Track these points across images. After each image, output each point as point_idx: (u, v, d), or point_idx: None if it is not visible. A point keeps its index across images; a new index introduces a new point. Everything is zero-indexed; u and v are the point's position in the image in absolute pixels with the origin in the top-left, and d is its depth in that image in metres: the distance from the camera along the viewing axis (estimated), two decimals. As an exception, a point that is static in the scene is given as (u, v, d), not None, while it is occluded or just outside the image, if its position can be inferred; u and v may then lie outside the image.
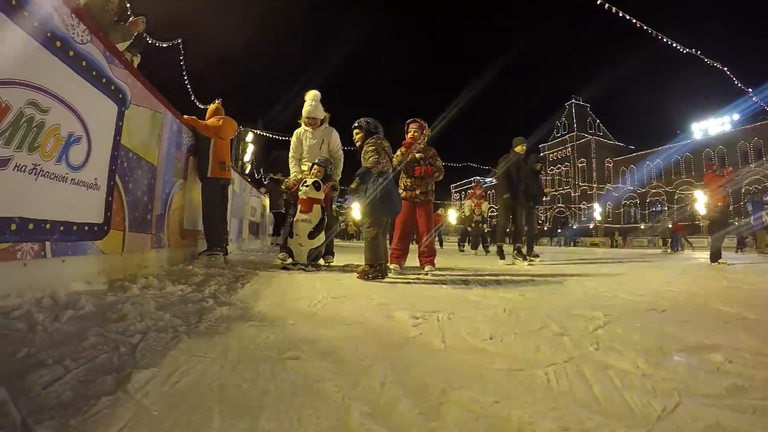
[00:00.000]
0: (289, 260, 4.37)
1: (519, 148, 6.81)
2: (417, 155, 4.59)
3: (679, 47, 14.06)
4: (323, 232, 4.35)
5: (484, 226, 12.01)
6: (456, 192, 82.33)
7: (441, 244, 13.69)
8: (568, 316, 2.08)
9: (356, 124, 4.09)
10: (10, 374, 1.03)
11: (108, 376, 1.04)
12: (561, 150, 58.59)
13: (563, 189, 56.26)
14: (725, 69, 14.16)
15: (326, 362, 1.24)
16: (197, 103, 18.90)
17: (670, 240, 17.49)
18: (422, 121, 4.76)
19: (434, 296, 2.73)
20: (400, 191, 4.37)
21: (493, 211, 21.71)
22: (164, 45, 16.11)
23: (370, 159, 3.73)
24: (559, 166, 58.58)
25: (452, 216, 18.25)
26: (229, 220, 5.36)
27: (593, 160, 54.30)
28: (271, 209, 11.77)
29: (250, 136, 22.56)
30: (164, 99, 3.61)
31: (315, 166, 4.55)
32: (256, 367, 1.17)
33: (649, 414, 0.95)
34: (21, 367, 1.08)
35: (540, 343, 1.53)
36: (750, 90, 15.65)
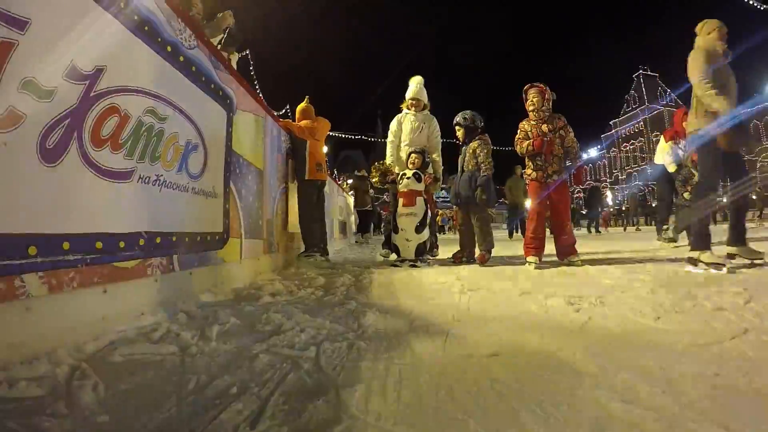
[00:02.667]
0: (393, 256, 4.18)
1: None
2: (544, 128, 3.74)
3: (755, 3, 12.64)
4: (428, 226, 4.13)
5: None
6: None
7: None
8: (711, 293, 2.03)
9: (457, 120, 4.28)
10: (197, 412, 0.86)
11: (318, 401, 0.88)
12: (633, 124, 55.32)
13: (639, 165, 52.26)
14: None
15: (526, 356, 1.21)
16: (272, 111, 19.76)
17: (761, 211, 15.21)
18: (543, 86, 3.83)
19: (564, 282, 2.66)
20: (529, 171, 3.82)
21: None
22: (239, 55, 16.99)
23: (489, 164, 4.05)
24: (632, 141, 55.36)
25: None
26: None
27: None
28: (355, 207, 11.78)
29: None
30: (264, 103, 3.56)
31: (413, 155, 4.30)
32: (465, 368, 1.11)
33: None
34: (205, 401, 0.91)
35: (706, 319, 1.57)
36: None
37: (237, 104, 2.84)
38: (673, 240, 5.66)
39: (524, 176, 3.87)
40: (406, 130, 4.66)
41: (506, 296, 2.22)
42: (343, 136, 24.93)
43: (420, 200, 4.05)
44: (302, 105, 4.83)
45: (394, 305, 2.01)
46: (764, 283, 2.32)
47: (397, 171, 4.47)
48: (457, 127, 4.31)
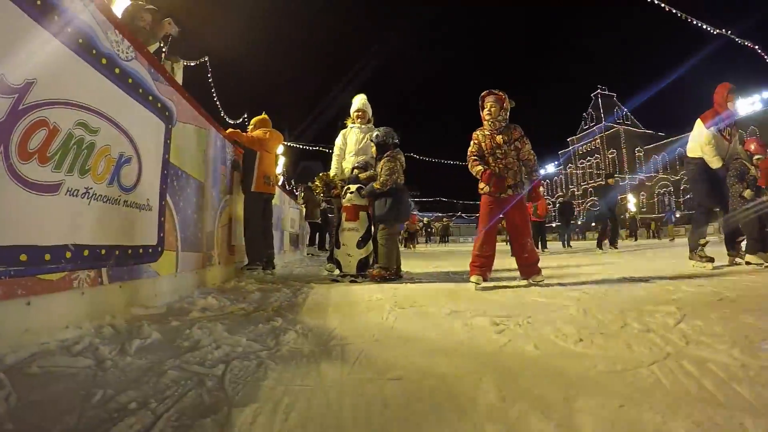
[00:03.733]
0: (337, 271, 4.23)
1: None
2: (498, 138, 3.45)
3: (708, 28, 13.70)
4: (370, 241, 4.21)
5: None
6: None
7: (544, 246, 10.81)
8: (643, 312, 2.05)
9: (371, 137, 4.39)
10: (92, 425, 0.90)
11: (206, 419, 0.92)
12: (590, 142, 57.81)
13: (594, 181, 54.80)
14: (756, 47, 14.35)
15: (431, 380, 1.19)
16: (227, 119, 19.50)
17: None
18: (502, 93, 3.50)
19: (499, 301, 2.64)
20: (481, 186, 3.48)
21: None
22: (192, 64, 16.72)
23: (382, 179, 4.10)
24: (588, 158, 57.80)
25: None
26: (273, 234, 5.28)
27: (623, 150, 53.49)
28: (306, 219, 11.70)
29: (280, 149, 22.90)
30: (207, 114, 3.56)
31: (355, 170, 4.41)
32: (363, 392, 1.10)
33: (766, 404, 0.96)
34: (103, 415, 0.95)
35: (631, 342, 1.52)
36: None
37: (177, 116, 2.84)
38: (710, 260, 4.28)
39: (479, 190, 3.54)
40: (351, 141, 4.74)
41: (435, 315, 2.21)
42: (302, 146, 24.86)
43: (363, 215, 4.13)
44: (258, 117, 4.88)
45: (320, 323, 2.01)
46: (701, 302, 2.34)
47: (338, 182, 4.56)
48: (371, 144, 4.40)
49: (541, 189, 4.30)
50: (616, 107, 56.65)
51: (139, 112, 2.36)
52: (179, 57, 4.72)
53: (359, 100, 4.92)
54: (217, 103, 19.41)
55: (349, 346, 1.57)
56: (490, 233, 3.48)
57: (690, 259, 4.40)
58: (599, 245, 10.38)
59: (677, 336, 1.57)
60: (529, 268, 3.43)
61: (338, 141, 4.87)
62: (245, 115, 20.92)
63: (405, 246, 18.06)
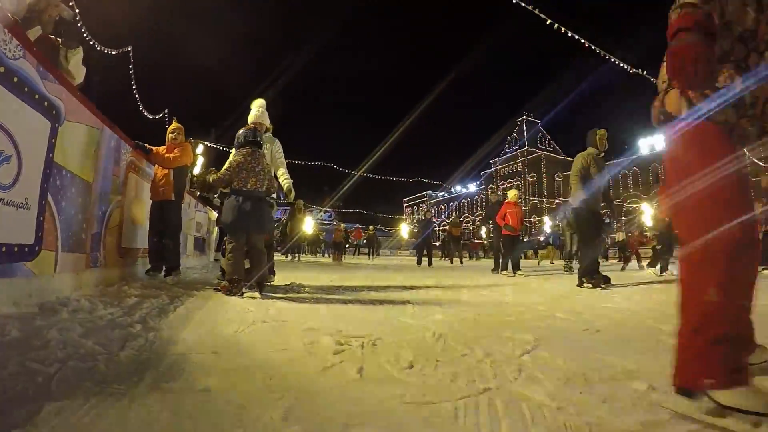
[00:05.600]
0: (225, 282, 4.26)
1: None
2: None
3: (626, 67, 14.72)
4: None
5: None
6: (408, 206, 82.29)
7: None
8: (498, 339, 2.07)
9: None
10: None
11: (22, 410, 1.03)
12: (512, 165, 60.19)
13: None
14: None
15: (234, 394, 1.22)
16: (145, 113, 18.31)
17: (626, 255, 14.55)
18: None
19: (367, 318, 2.69)
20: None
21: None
22: (113, 52, 15.50)
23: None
24: (510, 180, 60.11)
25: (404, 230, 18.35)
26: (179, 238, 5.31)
27: (543, 175, 56.05)
28: (217, 224, 11.33)
29: (200, 148, 21.88)
30: (101, 114, 3.51)
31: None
32: (163, 399, 1.16)
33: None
34: None
35: (460, 372, 1.50)
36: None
37: (66, 115, 2.83)
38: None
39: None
40: None
41: (289, 330, 2.22)
42: (221, 148, 23.97)
43: None
44: (172, 126, 4.97)
45: (172, 333, 2.01)
46: (566, 330, 2.39)
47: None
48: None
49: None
50: (540, 133, 59.25)
51: (23, 110, 2.35)
52: (77, 44, 4.41)
53: (255, 111, 4.73)
54: (137, 96, 18.27)
55: (188, 356, 1.62)
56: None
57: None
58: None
59: (512, 368, 1.55)
60: None
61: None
62: (165, 111, 20.04)
63: (333, 259, 16.28)
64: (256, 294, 3.62)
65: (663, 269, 7.94)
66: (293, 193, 4.73)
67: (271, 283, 4.69)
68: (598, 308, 3.36)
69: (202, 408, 1.12)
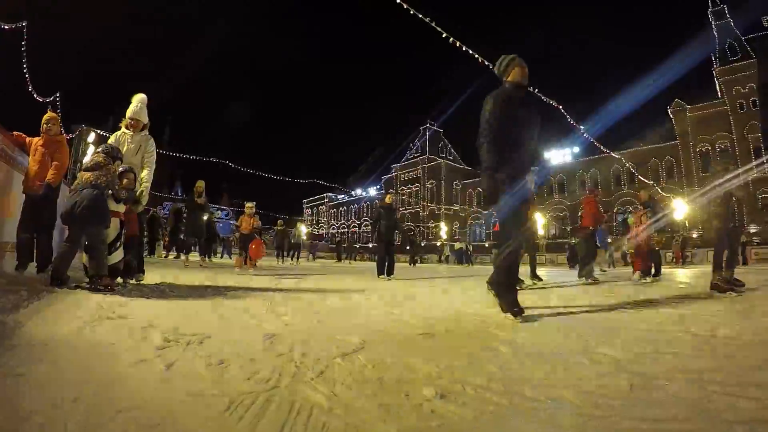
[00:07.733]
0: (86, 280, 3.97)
1: None
2: None
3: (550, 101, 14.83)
4: (121, 247, 4.09)
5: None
6: (308, 207, 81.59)
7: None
8: (332, 341, 2.03)
9: None
10: None
11: None
12: (412, 171, 61.46)
13: (413, 208, 59.24)
14: (560, 107, 15.94)
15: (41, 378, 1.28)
16: (35, 95, 16.54)
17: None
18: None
19: (211, 318, 2.62)
20: None
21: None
22: (5, 27, 13.89)
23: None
24: (409, 186, 61.47)
25: (303, 231, 17.68)
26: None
27: (443, 182, 57.48)
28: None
29: (92, 137, 19.98)
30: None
31: (123, 174, 4.26)
32: None
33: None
34: None
35: (262, 369, 1.52)
36: (581, 127, 18.50)
37: None
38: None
39: None
40: (122, 150, 4.44)
41: (128, 326, 2.19)
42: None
43: (115, 221, 3.96)
44: (47, 116, 4.71)
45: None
46: (403, 334, 2.31)
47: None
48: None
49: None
50: (441, 142, 60.90)
51: None
52: None
53: (133, 106, 4.58)
54: (27, 76, 16.72)
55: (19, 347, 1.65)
56: None
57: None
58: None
59: (318, 369, 1.55)
60: None
61: (110, 141, 4.55)
62: (57, 94, 18.49)
63: (237, 264, 10.86)
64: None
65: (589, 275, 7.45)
66: (143, 203, 4.52)
67: (141, 282, 4.63)
68: (463, 311, 3.32)
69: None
